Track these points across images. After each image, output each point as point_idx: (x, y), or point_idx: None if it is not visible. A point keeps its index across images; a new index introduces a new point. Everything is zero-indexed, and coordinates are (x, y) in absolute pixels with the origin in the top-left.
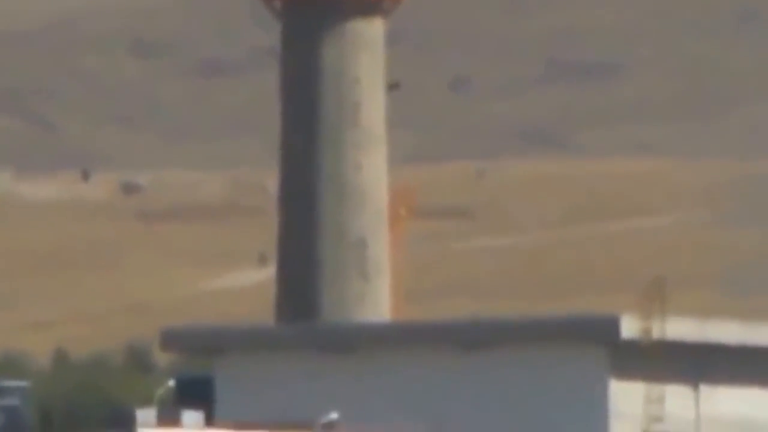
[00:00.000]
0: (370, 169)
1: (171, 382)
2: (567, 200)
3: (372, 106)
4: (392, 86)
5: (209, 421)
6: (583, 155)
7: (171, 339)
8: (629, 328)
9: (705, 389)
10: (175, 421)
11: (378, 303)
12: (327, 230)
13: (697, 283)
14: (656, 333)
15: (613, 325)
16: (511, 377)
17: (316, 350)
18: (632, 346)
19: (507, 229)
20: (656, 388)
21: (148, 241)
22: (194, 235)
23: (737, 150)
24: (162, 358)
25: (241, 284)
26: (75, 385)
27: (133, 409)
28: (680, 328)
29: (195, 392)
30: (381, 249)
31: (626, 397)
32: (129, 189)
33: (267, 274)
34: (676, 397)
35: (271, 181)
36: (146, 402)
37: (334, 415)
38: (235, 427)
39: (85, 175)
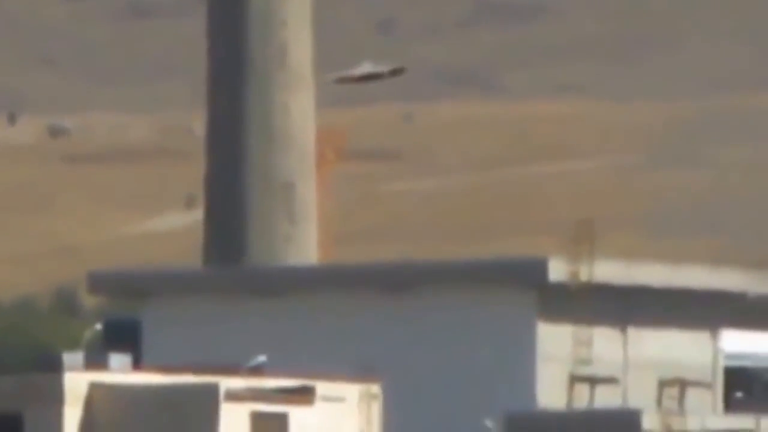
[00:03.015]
0: (298, 111)
1: (98, 326)
2: (495, 143)
3: (299, 48)
4: (396, 71)
5: (136, 364)
6: (511, 97)
7: (98, 282)
8: (557, 270)
9: (632, 332)
10: (102, 365)
11: (305, 246)
12: (254, 173)
13: (624, 225)
14: (584, 275)
15: (540, 267)
16: (439, 320)
17: (244, 293)
18: (560, 288)
19: (435, 171)
20: (584, 331)
21: (76, 185)
22: (122, 179)
23: (665, 92)
24: (89, 302)
25: (169, 227)
26: (2, 328)
27: (60, 353)
28: (607, 271)
29: (122, 335)
30: (308, 192)
31: (554, 339)
32: (56, 132)
33: (195, 216)
34: (604, 340)
35: (198, 124)
36: (73, 345)
37: (261, 358)
38: (162, 370)
39: (12, 119)
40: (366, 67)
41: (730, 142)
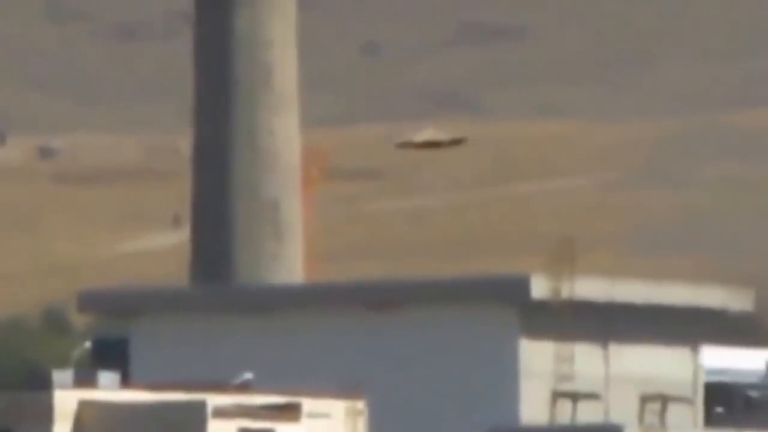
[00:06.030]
0: (283, 130)
1: (87, 344)
2: (477, 162)
3: (284, 68)
4: (456, 141)
5: (125, 382)
6: (493, 117)
7: (88, 301)
8: (539, 287)
9: (614, 348)
10: (92, 383)
11: (291, 264)
12: (240, 192)
13: (605, 243)
14: (566, 293)
15: (523, 284)
16: (423, 337)
17: (231, 311)
18: (542, 305)
19: (418, 190)
20: (566, 347)
21: (65, 204)
22: (110, 198)
23: (647, 110)
24: (79, 320)
25: (157, 246)
26: None
27: (49, 371)
28: (589, 288)
29: (111, 353)
30: (294, 210)
31: (536, 356)
32: (45, 153)
33: (181, 236)
34: (586, 356)
35: (184, 144)
36: (63, 363)
37: (248, 376)
38: (150, 388)
39: (1, 139)
40: (428, 134)
41: (712, 160)
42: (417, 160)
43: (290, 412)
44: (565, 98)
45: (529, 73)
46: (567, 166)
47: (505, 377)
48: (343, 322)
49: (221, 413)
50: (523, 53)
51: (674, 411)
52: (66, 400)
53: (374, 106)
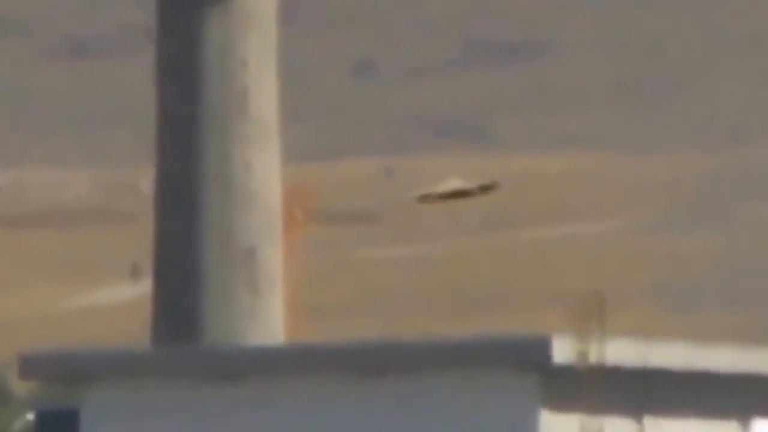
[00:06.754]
0: (261, 166)
1: (30, 415)
2: (487, 202)
3: (262, 93)
4: (486, 187)
5: None
6: (505, 150)
7: (31, 365)
8: (562, 351)
9: (649, 422)
10: None
11: (270, 322)
12: (211, 237)
13: (638, 297)
14: (593, 357)
15: (543, 347)
16: (425, 409)
17: (199, 378)
18: (566, 372)
19: (419, 236)
20: (594, 421)
21: (6, 251)
22: (58, 244)
23: (683, 143)
24: (20, 387)
25: (112, 301)
26: None
27: None
28: (620, 351)
29: (58, 426)
30: (274, 259)
31: (559, 431)
32: None
33: (142, 288)
34: (617, 431)
35: (145, 180)
36: None
37: None
38: None
39: None
40: (452, 183)
41: (759, 199)
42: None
43: None
44: (589, 128)
45: (547, 98)
46: (592, 207)
47: None
48: (330, 390)
49: None
50: (540, 75)
51: None
52: None
53: (367, 137)
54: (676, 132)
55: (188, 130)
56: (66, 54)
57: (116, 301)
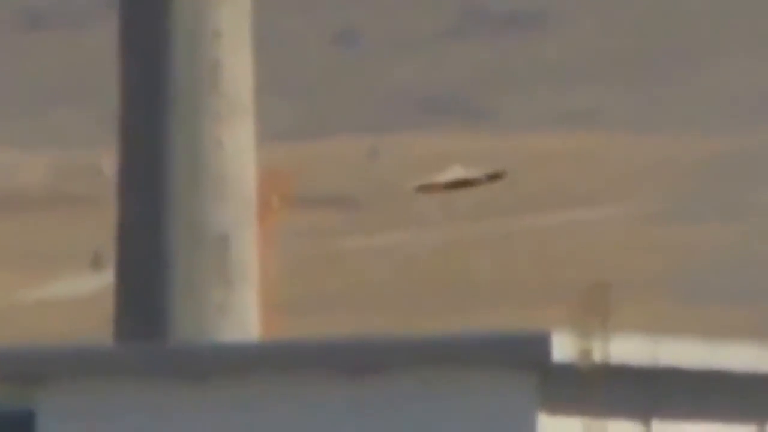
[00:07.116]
0: (234, 147)
1: None
2: (481, 187)
3: (236, 68)
4: (494, 176)
5: None
6: (502, 129)
7: None
8: (563, 348)
9: (657, 425)
10: None
11: (243, 316)
12: (179, 225)
13: (646, 290)
14: (597, 355)
15: (542, 344)
16: (413, 410)
17: (166, 377)
18: (567, 371)
19: (406, 223)
20: (597, 424)
21: None
22: (11, 232)
23: (698, 122)
24: None
25: (71, 293)
26: None
27: None
28: (627, 349)
29: (12, 429)
30: (247, 248)
31: None
32: None
33: (103, 279)
34: None
35: (107, 162)
36: None
37: None
38: None
39: None
40: (455, 172)
41: None
42: (405, 183)
43: None
44: (594, 105)
45: (548, 72)
46: (596, 191)
47: None
48: (309, 391)
49: None
50: (541, 47)
51: None
52: None
53: (350, 114)
54: (689, 110)
55: (154, 108)
56: (21, 24)
57: (76, 294)
